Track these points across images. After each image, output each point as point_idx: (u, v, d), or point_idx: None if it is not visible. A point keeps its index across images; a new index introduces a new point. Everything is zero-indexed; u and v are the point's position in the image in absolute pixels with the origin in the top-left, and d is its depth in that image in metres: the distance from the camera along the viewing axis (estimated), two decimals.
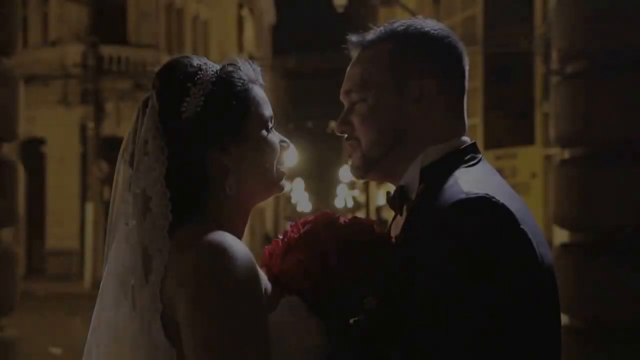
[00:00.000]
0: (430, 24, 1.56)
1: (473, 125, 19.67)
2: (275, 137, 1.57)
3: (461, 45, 1.58)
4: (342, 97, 1.61)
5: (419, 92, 1.51)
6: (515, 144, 17.94)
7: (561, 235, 5.43)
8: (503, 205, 1.32)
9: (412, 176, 1.51)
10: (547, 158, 15.85)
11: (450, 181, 1.41)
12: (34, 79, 19.14)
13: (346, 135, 1.59)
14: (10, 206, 4.39)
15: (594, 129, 4.01)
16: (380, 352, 1.38)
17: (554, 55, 4.56)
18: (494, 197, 1.33)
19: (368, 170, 1.57)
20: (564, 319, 4.27)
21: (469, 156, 1.50)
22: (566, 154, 4.36)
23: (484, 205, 1.32)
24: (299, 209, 54.45)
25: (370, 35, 1.59)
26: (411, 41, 1.54)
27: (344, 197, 49.88)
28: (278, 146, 1.56)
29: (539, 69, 16.74)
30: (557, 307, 1.40)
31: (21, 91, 4.52)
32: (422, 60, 1.53)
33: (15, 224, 4.70)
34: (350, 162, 1.60)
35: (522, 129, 17.90)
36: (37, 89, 19.36)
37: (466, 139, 1.55)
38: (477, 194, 1.34)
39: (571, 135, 4.19)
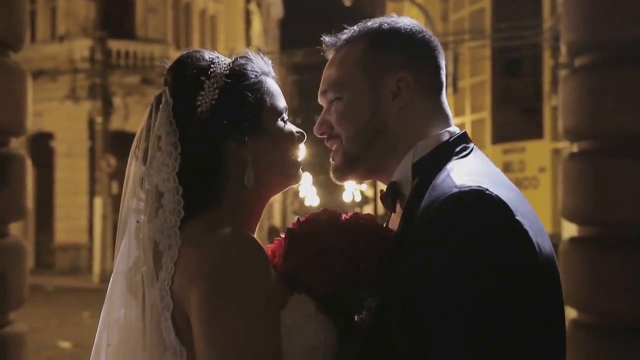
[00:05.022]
0: (403, 21, 1.57)
1: (481, 119, 19.63)
2: (290, 127, 1.57)
3: (436, 41, 1.59)
4: (319, 99, 1.62)
5: (395, 86, 1.51)
6: (524, 137, 17.91)
7: (570, 229, 5.42)
8: (497, 197, 1.30)
9: (403, 172, 1.51)
10: (556, 152, 15.80)
11: (443, 175, 1.39)
12: (42, 74, 19.21)
13: (326, 137, 1.59)
14: (18, 200, 4.40)
15: (603, 122, 3.99)
16: (385, 349, 1.37)
17: (563, 48, 4.54)
18: (488, 189, 1.31)
19: (350, 168, 1.57)
20: (573, 313, 4.26)
21: (460, 147, 1.49)
22: (575, 148, 4.34)
23: (478, 198, 1.30)
24: (307, 203, 54.48)
25: (344, 36, 1.60)
26: (384, 37, 1.55)
27: (352, 191, 49.84)
28: (294, 137, 1.57)
29: (547, 62, 16.68)
30: (559, 297, 1.38)
31: (29, 86, 4.53)
32: (396, 54, 1.53)
33: (24, 219, 4.70)
34: (332, 164, 1.60)
35: (531, 123, 17.85)
36: (45, 83, 19.43)
37: (455, 129, 1.55)
38: (469, 186, 1.31)
39: (580, 129, 4.17)
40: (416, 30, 1.56)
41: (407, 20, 1.58)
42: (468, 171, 1.38)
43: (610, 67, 4.00)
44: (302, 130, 1.61)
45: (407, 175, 1.49)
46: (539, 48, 16.61)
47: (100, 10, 20.70)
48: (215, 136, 1.47)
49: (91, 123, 21.24)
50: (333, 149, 1.58)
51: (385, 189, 1.55)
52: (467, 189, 1.31)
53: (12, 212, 4.41)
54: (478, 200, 1.30)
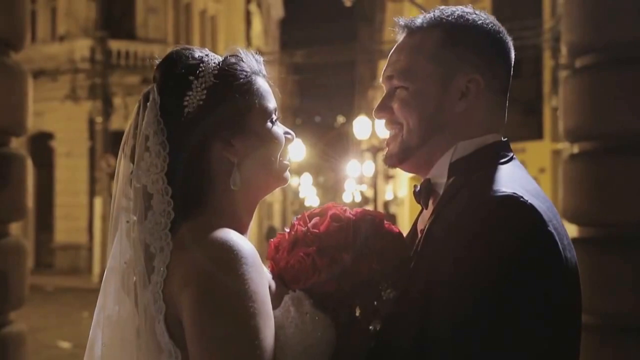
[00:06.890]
0: (481, 17, 1.52)
1: None
2: (279, 129, 1.54)
3: (510, 40, 1.54)
4: (382, 81, 1.57)
5: (465, 86, 1.48)
6: (524, 138, 17.88)
7: (570, 230, 5.42)
8: (531, 205, 1.30)
9: (440, 170, 1.49)
10: (556, 152, 15.80)
11: (479, 178, 1.38)
12: (43, 74, 19.20)
13: (385, 121, 1.55)
14: (19, 200, 4.40)
15: (604, 123, 3.99)
16: (395, 345, 1.36)
17: (563, 49, 4.54)
18: (522, 197, 1.30)
19: (404, 158, 1.53)
20: None
21: (500, 154, 1.47)
22: (575, 148, 4.34)
23: (512, 204, 1.30)
24: (307, 203, 54.43)
25: (419, 20, 1.54)
26: (461, 33, 1.50)
27: (352, 191, 49.84)
28: (282, 138, 1.54)
29: (547, 63, 16.67)
30: (579, 311, 1.38)
31: (30, 86, 4.53)
32: (472, 55, 1.49)
33: (24, 218, 4.71)
34: (386, 149, 1.56)
35: (531, 124, 17.84)
36: (46, 83, 19.42)
37: (499, 136, 1.53)
38: (505, 192, 1.31)
39: (580, 130, 4.17)
40: (494, 30, 1.51)
41: (484, 16, 1.53)
42: (505, 178, 1.38)
43: (611, 68, 4.00)
44: (291, 131, 1.57)
45: (443, 174, 1.48)
46: (539, 49, 16.59)
47: (100, 10, 20.70)
48: (201, 137, 1.45)
49: (91, 123, 21.23)
50: (391, 134, 1.55)
51: (419, 185, 1.53)
52: (502, 194, 1.31)
53: (13, 212, 4.41)
54: (512, 206, 1.30)
